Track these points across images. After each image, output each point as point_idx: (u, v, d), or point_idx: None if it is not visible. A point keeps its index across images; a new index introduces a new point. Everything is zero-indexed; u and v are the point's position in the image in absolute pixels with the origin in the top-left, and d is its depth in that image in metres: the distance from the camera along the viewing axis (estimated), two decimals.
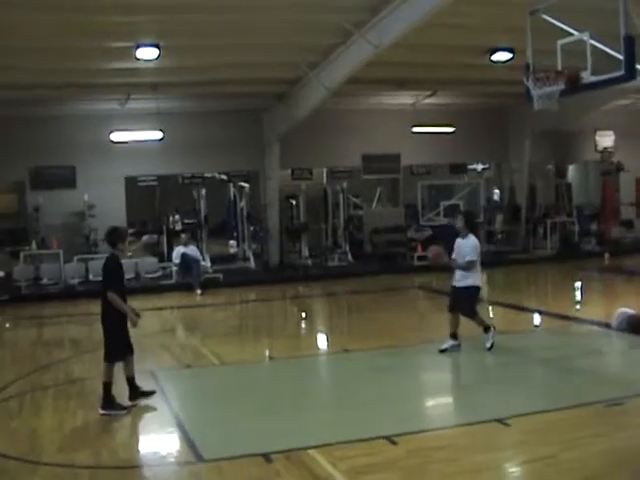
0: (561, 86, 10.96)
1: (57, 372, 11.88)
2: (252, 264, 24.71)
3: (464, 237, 11.65)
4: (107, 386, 9.24)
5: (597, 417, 8.20)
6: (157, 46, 17.81)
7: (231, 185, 25.71)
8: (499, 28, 17.37)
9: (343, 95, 23.13)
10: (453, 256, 11.71)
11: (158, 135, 23.11)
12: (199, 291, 20.62)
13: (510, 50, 19.20)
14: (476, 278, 11.55)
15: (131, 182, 24.87)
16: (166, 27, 16.87)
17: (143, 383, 9.84)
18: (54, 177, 23.68)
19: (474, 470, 6.82)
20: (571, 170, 30.47)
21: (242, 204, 25.36)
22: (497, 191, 29.59)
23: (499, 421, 7.99)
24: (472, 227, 12.09)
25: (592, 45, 10.96)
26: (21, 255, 21.14)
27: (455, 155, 27.55)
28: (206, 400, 10.05)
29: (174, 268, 21.75)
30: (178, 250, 21.54)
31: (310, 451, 7.42)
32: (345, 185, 26.15)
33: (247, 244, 25.29)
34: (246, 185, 25.66)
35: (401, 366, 11.30)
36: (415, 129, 25.35)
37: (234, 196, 25.43)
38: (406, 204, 27.56)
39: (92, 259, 21.28)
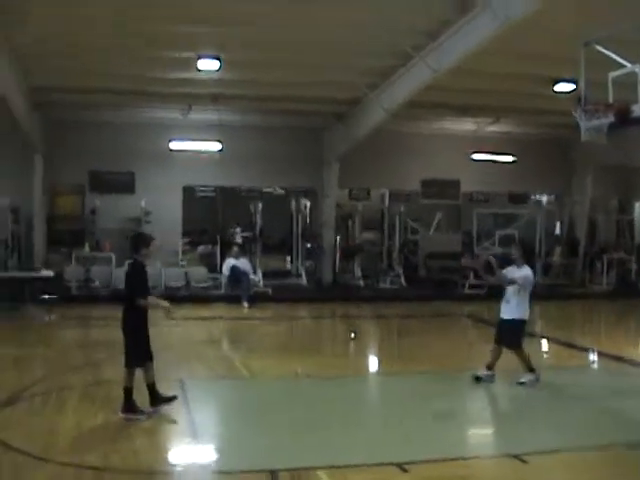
0: (610, 119, 10.68)
1: (88, 373, 11.94)
2: (304, 281, 24.69)
3: (519, 266, 11.23)
4: (128, 391, 9.23)
5: (614, 460, 7.88)
6: (218, 58, 18.02)
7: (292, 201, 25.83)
8: (563, 58, 17.07)
9: (405, 118, 23.23)
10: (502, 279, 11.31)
11: (217, 146, 23.30)
12: (246, 304, 20.64)
13: (574, 81, 18.82)
14: (523, 311, 11.17)
15: (189, 192, 25.12)
16: (228, 40, 17.05)
17: (171, 390, 9.84)
18: (113, 182, 24.12)
19: None
20: (637, 207, 29.78)
21: (298, 221, 25.41)
22: (558, 223, 29.02)
23: (516, 457, 7.74)
24: (528, 257, 11.72)
25: None
26: (73, 256, 21.43)
27: (515, 184, 27.20)
28: (228, 413, 9.99)
29: (224, 280, 21.78)
30: (228, 262, 21.64)
31: (319, 471, 7.30)
32: (402, 208, 26.01)
33: (300, 261, 25.29)
34: (307, 202, 25.72)
35: (434, 392, 11.07)
36: (475, 156, 25.07)
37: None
38: (462, 231, 27.26)
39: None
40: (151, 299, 9.46)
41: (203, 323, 18.41)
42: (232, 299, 21.24)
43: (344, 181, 25.67)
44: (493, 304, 21.09)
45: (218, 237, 24.63)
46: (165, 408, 9.44)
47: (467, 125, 25.03)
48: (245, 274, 21.21)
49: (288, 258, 25.66)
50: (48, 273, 19.77)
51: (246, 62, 18.67)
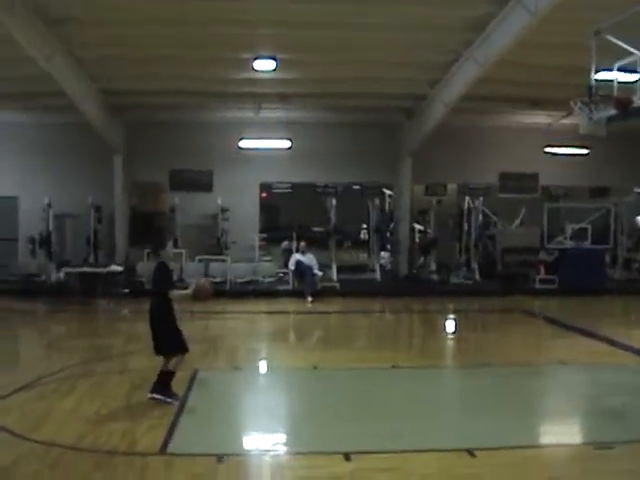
0: (610, 111, 10.53)
1: (117, 362, 12.60)
2: (378, 276, 24.89)
3: None
4: (171, 375, 9.77)
5: (574, 459, 7.89)
6: (274, 58, 18.45)
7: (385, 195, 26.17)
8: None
9: (476, 112, 23.28)
10: None
11: (286, 144, 23.77)
12: (310, 298, 20.99)
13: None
14: None
15: (266, 188, 25.73)
16: (285, 40, 17.66)
17: (185, 382, 10.47)
18: (192, 180, 24.94)
19: None
20: None
21: (373, 216, 25.69)
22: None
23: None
24: None
25: None
26: (145, 252, 22.30)
27: (595, 177, 26.57)
28: (227, 402, 10.17)
29: (290, 274, 22.28)
30: (294, 257, 22.08)
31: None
32: (478, 202, 25.84)
33: (375, 256, 25.52)
34: (388, 192, 26.09)
35: (465, 385, 11.47)
36: (551, 149, 24.67)
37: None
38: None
39: (213, 260, 22.23)
40: (182, 293, 10.07)
41: (261, 316, 19.01)
42: (298, 294, 21.63)
43: (420, 176, 25.72)
44: (564, 299, 21.20)
45: (294, 233, 24.95)
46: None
47: (541, 118, 24.62)
48: (310, 269, 21.58)
49: (361, 253, 25.82)
50: (117, 268, 20.67)
51: (309, 62, 19.23)
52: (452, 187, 26.90)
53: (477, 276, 24.96)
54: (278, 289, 22.54)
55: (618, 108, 10.56)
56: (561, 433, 9.00)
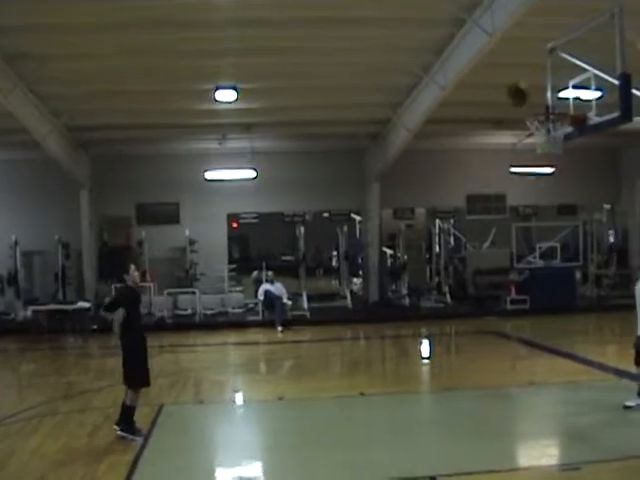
0: (566, 129, 10.58)
1: (83, 400, 12.41)
2: (349, 302, 24.82)
3: None
4: (131, 410, 9.67)
5: None
6: (234, 88, 18.44)
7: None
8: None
9: (442, 134, 23.44)
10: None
11: (251, 174, 23.76)
12: (280, 328, 20.84)
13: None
14: None
15: (234, 218, 25.69)
16: (249, 70, 17.72)
17: (150, 417, 10.42)
18: (159, 213, 24.85)
19: None
20: None
21: (342, 243, 25.68)
22: (611, 233, 28.28)
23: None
24: None
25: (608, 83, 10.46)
26: (112, 287, 22.06)
27: (562, 196, 26.72)
28: (189, 438, 9.80)
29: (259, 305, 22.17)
30: (263, 287, 21.99)
31: None
32: (447, 225, 25.94)
33: (346, 282, 25.49)
34: (358, 218, 26.22)
35: (432, 410, 11.59)
36: (516, 169, 24.77)
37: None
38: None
39: (181, 293, 22.13)
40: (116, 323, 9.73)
41: (226, 348, 19.06)
42: (268, 324, 21.47)
43: (388, 201, 25.75)
44: (535, 319, 21.14)
45: (264, 263, 24.85)
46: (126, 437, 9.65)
47: (506, 138, 24.71)
48: (279, 298, 21.48)
49: (332, 280, 25.80)
50: (84, 305, 20.47)
51: (271, 90, 19.29)
52: (420, 211, 26.95)
53: (448, 299, 24.95)
54: (248, 320, 22.35)
55: (575, 125, 10.59)
56: (527, 456, 8.95)
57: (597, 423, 9.87)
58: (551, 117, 10.78)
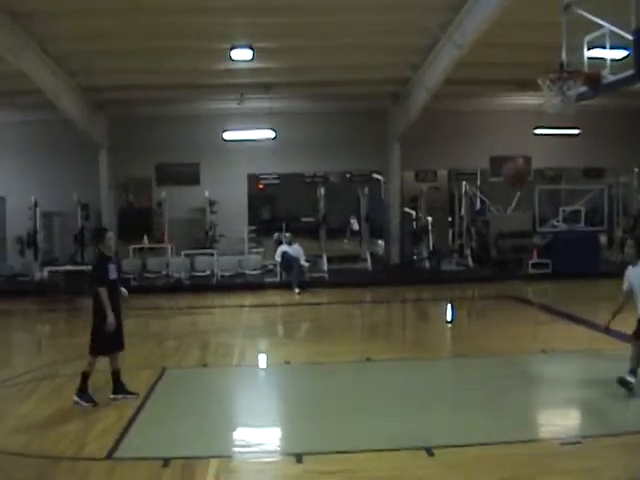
0: (580, 88, 10.18)
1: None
2: (369, 265, 24.59)
3: (634, 265, 9.72)
4: (85, 376, 9.50)
5: (537, 456, 7.45)
6: (250, 47, 18.11)
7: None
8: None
9: (465, 96, 22.98)
10: (623, 287, 9.85)
11: (270, 134, 23.48)
12: (297, 290, 20.68)
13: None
14: None
15: (254, 180, 25.48)
16: (262, 28, 17.42)
17: (150, 379, 10.36)
18: (179, 174, 24.69)
19: None
20: None
21: (363, 205, 25.43)
22: None
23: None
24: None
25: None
26: (130, 248, 22.07)
27: (588, 158, 26.17)
28: (186, 403, 9.69)
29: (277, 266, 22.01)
30: (280, 249, 21.79)
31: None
32: (469, 188, 25.52)
33: (365, 245, 25.25)
34: (382, 178, 25.84)
35: (435, 378, 11.12)
36: (540, 131, 24.26)
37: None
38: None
39: (198, 255, 22.04)
40: (105, 301, 9.34)
41: (249, 310, 18.81)
42: (286, 286, 21.33)
43: (410, 163, 25.41)
44: (557, 283, 20.72)
45: (284, 224, 24.67)
46: (123, 398, 9.59)
47: (531, 99, 24.17)
48: (296, 260, 21.28)
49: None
50: None
51: (289, 50, 19.06)
52: (442, 173, 26.55)
53: (470, 262, 24.64)
54: (265, 281, 22.19)
55: (588, 84, 10.18)
56: (528, 428, 8.61)
57: (602, 395, 9.46)
58: (564, 75, 10.32)
